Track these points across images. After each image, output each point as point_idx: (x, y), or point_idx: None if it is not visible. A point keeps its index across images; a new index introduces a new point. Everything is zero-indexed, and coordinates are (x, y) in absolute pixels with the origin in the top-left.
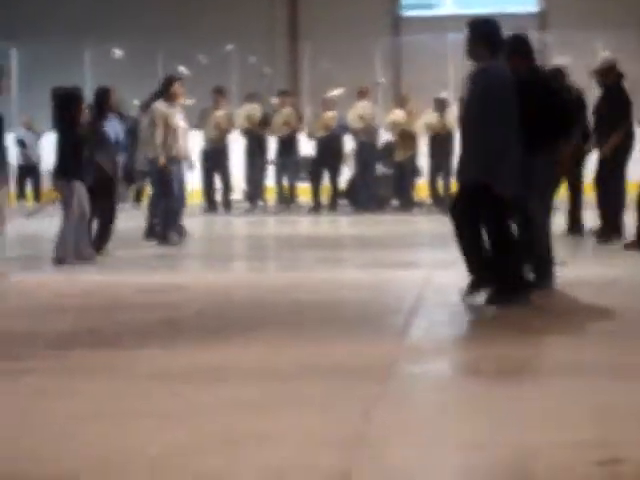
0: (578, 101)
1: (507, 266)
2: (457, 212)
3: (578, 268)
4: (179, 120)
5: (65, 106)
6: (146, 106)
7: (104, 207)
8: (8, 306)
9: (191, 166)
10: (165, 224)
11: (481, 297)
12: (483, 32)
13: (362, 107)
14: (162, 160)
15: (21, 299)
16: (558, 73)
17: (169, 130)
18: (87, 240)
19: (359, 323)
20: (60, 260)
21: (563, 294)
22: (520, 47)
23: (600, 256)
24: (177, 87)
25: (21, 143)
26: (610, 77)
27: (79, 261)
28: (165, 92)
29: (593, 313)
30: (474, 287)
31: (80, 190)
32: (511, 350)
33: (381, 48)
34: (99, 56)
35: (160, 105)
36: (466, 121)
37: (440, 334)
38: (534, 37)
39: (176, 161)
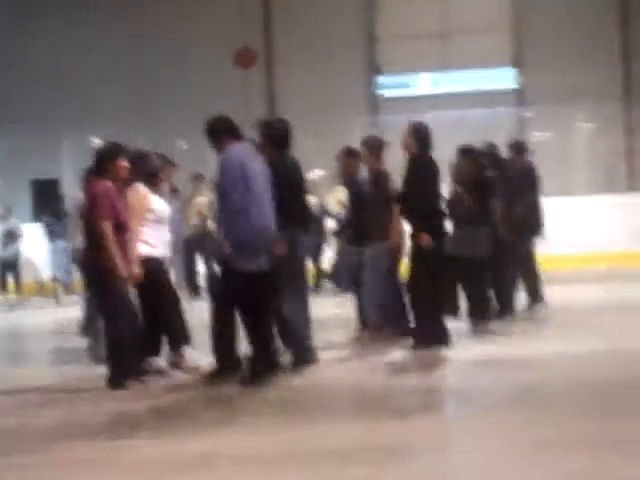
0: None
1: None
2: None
3: None
4: None
5: None
6: None
7: None
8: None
9: None
10: None
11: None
12: (217, 126)
13: (341, 191)
14: None
15: (7, 394)
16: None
17: None
18: None
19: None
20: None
21: None
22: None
23: None
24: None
25: (10, 233)
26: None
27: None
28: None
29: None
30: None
31: None
32: None
33: (359, 128)
34: (78, 145)
35: None
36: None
37: None
38: (512, 113)
39: None
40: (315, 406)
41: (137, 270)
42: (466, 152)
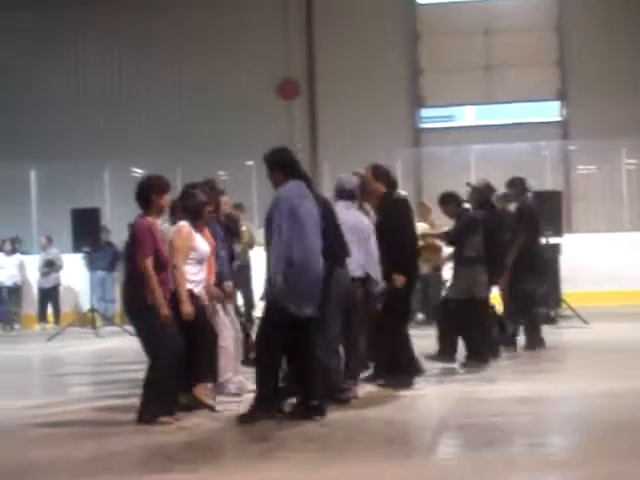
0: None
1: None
2: None
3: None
4: None
5: None
6: None
7: None
8: (30, 435)
9: None
10: None
11: None
12: (275, 160)
13: None
14: None
15: (42, 425)
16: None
17: None
18: None
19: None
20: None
21: None
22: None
23: None
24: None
25: (50, 263)
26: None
27: None
28: None
29: None
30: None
31: None
32: None
33: (401, 160)
34: (119, 175)
35: None
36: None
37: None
38: (556, 146)
39: None
40: (354, 442)
41: (188, 307)
42: (445, 199)
